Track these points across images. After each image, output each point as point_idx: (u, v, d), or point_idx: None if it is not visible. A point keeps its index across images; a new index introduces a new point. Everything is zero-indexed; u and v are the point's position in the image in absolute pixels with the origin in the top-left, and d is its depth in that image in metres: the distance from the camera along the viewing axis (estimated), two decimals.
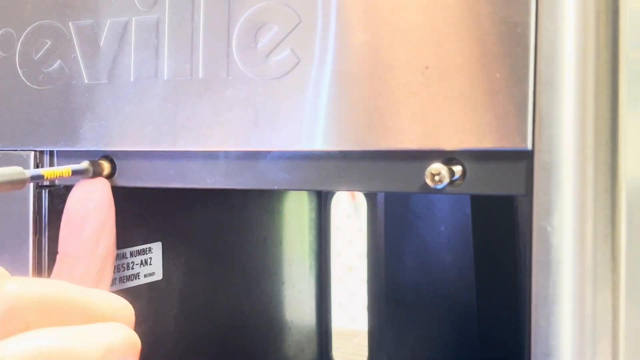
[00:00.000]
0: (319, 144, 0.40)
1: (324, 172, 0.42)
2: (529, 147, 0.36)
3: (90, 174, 0.46)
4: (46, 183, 0.49)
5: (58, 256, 0.46)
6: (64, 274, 0.45)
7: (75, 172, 0.46)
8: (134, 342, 0.37)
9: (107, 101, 0.46)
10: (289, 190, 0.74)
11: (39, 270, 0.49)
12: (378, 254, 0.75)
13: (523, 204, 0.44)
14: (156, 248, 0.58)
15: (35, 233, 0.49)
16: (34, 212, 0.49)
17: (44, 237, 0.49)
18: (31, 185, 0.49)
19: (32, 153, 0.49)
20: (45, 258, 0.49)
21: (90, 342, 0.34)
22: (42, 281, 0.35)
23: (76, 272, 0.45)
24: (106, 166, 0.47)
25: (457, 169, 0.38)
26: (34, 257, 0.49)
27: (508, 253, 0.64)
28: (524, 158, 0.36)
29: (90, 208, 0.45)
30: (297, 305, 0.79)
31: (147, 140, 0.45)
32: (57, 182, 0.48)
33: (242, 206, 0.69)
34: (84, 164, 0.46)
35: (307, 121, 0.41)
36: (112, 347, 0.35)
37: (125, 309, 0.38)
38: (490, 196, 0.44)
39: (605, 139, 0.35)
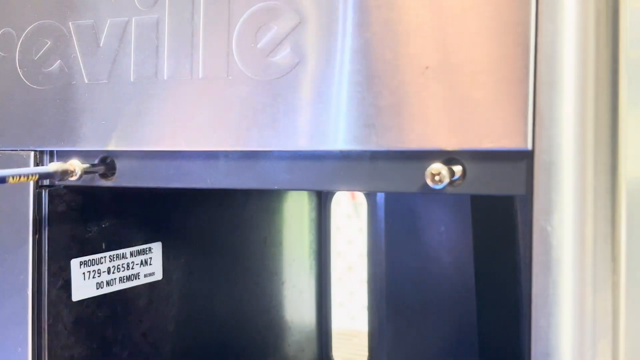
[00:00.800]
0: (319, 144, 0.40)
1: (324, 172, 0.42)
2: (529, 147, 0.36)
3: (59, 177, 0.46)
4: (46, 183, 0.49)
5: None
6: None
7: (43, 177, 0.45)
8: None
9: (107, 101, 0.46)
10: (289, 190, 0.74)
11: (38, 270, 0.49)
12: (378, 254, 0.75)
13: (523, 204, 0.44)
14: (156, 248, 0.58)
15: (35, 233, 0.49)
16: (33, 212, 0.49)
17: (44, 237, 0.49)
18: (31, 185, 0.49)
19: (32, 153, 0.49)
20: (45, 258, 0.49)
21: None
22: None
23: None
24: (78, 167, 0.46)
25: (457, 169, 0.38)
26: (33, 257, 0.49)
27: (508, 253, 0.64)
28: (524, 158, 0.36)
29: None
30: (297, 305, 0.79)
31: (147, 140, 0.45)
32: (56, 182, 0.48)
33: (242, 206, 0.69)
34: (52, 166, 0.46)
35: (307, 121, 0.41)
36: None
37: None
38: (490, 196, 0.44)
39: (605, 139, 0.35)
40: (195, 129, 0.43)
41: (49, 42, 0.48)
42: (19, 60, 0.49)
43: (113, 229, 0.54)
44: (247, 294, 0.70)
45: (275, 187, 0.43)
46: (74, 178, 0.46)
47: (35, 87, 0.49)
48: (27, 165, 0.49)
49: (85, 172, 0.47)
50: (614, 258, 0.36)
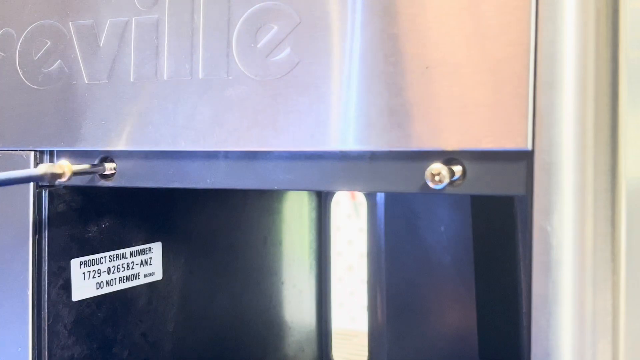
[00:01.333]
0: (319, 144, 0.40)
1: (324, 172, 0.42)
2: (529, 147, 0.36)
3: (48, 179, 0.45)
4: (46, 183, 0.49)
5: None
6: None
7: (31, 180, 0.44)
8: None
9: (107, 101, 0.46)
10: (289, 190, 0.74)
11: (38, 270, 0.49)
12: (378, 254, 0.75)
13: (523, 204, 0.44)
14: (156, 248, 0.58)
15: (35, 233, 0.49)
16: (33, 212, 0.49)
17: (44, 237, 0.49)
18: (31, 185, 0.49)
19: (32, 153, 0.49)
20: (46, 258, 0.49)
21: None
22: None
23: None
24: (67, 168, 0.46)
25: (457, 169, 0.38)
26: (33, 257, 0.49)
27: (508, 253, 0.64)
28: (524, 158, 0.36)
29: None
30: (297, 305, 0.79)
31: (147, 140, 0.45)
32: (56, 182, 0.48)
33: (242, 206, 0.69)
34: (41, 169, 0.45)
35: (307, 121, 0.41)
36: None
37: None
38: (490, 196, 0.44)
39: (605, 139, 0.35)
40: (195, 129, 0.43)
41: (49, 42, 0.48)
42: (19, 60, 0.49)
43: (113, 229, 0.54)
44: (247, 294, 0.70)
45: (275, 187, 0.43)
46: (63, 179, 0.46)
47: (35, 87, 0.49)
48: (27, 165, 0.49)
49: (75, 173, 0.46)
50: (614, 258, 0.36)
